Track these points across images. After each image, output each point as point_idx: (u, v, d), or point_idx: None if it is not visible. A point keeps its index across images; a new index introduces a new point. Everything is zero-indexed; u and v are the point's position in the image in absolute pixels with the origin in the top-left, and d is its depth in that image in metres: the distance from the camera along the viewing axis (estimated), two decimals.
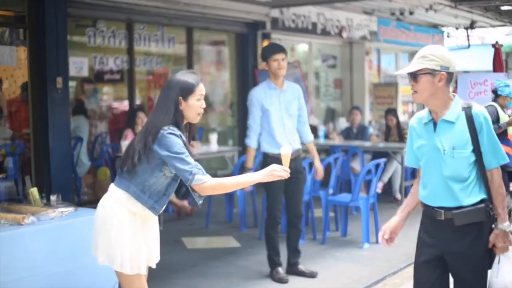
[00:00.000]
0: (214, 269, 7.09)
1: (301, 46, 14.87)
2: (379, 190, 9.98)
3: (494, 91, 8.26)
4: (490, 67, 10.87)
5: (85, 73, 9.81)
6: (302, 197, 6.88)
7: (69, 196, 8.48)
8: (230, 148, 11.38)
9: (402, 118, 14.25)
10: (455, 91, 10.78)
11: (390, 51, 16.95)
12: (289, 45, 13.51)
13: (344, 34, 14.46)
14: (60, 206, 4.88)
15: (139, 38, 10.71)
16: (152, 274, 4.08)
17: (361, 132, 11.69)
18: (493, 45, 10.78)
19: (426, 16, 14.77)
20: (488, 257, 3.77)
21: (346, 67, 15.78)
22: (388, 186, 10.86)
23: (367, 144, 11.03)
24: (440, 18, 15.51)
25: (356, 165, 10.39)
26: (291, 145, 6.31)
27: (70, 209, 4.87)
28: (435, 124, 3.79)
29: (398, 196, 10.62)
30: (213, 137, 10.54)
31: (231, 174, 9.00)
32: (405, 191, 10.29)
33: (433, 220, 3.83)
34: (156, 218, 4.13)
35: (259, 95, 6.63)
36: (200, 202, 4.00)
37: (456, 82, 10.78)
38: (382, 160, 8.34)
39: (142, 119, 9.06)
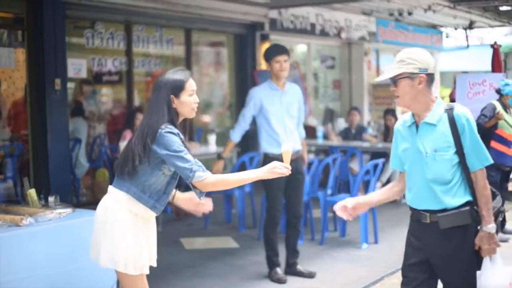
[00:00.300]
0: (212, 269, 7.10)
1: (300, 47, 14.87)
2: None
3: (498, 91, 8.31)
4: (489, 68, 10.85)
5: (83, 74, 9.80)
6: (302, 198, 6.90)
7: (68, 198, 8.47)
8: None
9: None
10: (453, 91, 10.78)
11: (388, 51, 16.94)
12: (288, 46, 13.31)
13: (343, 35, 14.46)
14: (58, 207, 4.88)
15: (138, 40, 10.71)
16: (151, 275, 4.08)
17: (360, 133, 11.71)
18: (492, 46, 10.76)
19: (424, 16, 14.76)
20: (476, 259, 3.75)
21: (344, 68, 15.78)
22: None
23: (365, 144, 11.04)
24: (439, 19, 15.51)
25: (354, 165, 10.40)
26: (292, 146, 6.33)
27: (68, 210, 4.87)
28: (417, 127, 3.80)
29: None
30: (212, 138, 10.54)
31: None
32: None
33: (419, 223, 3.83)
34: (154, 218, 4.14)
35: (259, 94, 6.65)
36: (201, 198, 4.00)
37: (454, 82, 10.78)
38: (380, 161, 8.35)
39: (140, 120, 9.06)
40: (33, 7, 8.46)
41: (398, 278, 6.65)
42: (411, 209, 3.89)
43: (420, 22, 16.62)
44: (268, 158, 6.45)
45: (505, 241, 8.16)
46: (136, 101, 10.91)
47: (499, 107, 8.13)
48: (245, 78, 12.29)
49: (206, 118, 12.33)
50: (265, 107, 6.62)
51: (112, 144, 10.37)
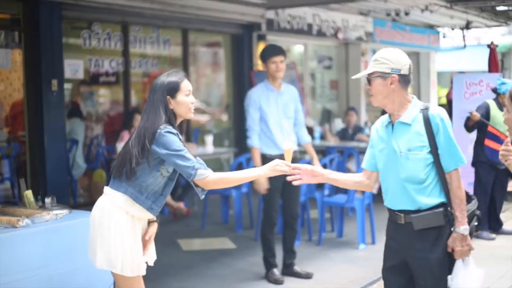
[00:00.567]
0: (209, 270, 7.10)
1: (297, 47, 14.88)
2: (374, 191, 9.97)
3: (494, 90, 8.32)
4: (486, 68, 10.86)
5: (80, 75, 9.78)
6: (298, 199, 6.90)
7: (65, 199, 8.48)
8: (225, 150, 11.40)
9: None
10: (450, 91, 10.79)
11: None
12: (285, 47, 13.39)
13: (340, 35, 14.47)
14: (55, 208, 4.87)
15: (135, 40, 10.70)
16: (148, 276, 4.08)
17: (357, 133, 11.71)
18: (489, 46, 10.76)
19: (421, 16, 14.77)
20: (448, 262, 3.75)
21: (342, 68, 15.79)
22: None
23: (362, 145, 11.04)
24: (436, 19, 15.52)
25: (352, 166, 10.39)
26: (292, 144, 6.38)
27: (65, 211, 4.86)
28: (393, 126, 3.80)
29: None
30: (209, 139, 10.55)
31: None
32: None
33: (395, 225, 3.84)
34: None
35: (257, 95, 6.65)
36: (202, 197, 3.99)
37: (451, 82, 10.79)
38: None
39: (139, 121, 9.05)
40: (29, 8, 8.46)
41: None
42: (388, 210, 3.90)
43: (417, 22, 16.64)
44: (265, 159, 6.44)
45: (492, 239, 8.20)
46: (133, 102, 10.91)
47: (493, 106, 8.13)
48: (242, 79, 12.28)
49: (204, 117, 12.34)
50: (262, 108, 6.62)
51: (109, 144, 10.36)
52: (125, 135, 8.99)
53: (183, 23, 11.23)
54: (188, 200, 9.85)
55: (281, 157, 4.15)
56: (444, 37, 18.35)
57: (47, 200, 4.94)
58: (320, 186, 8.81)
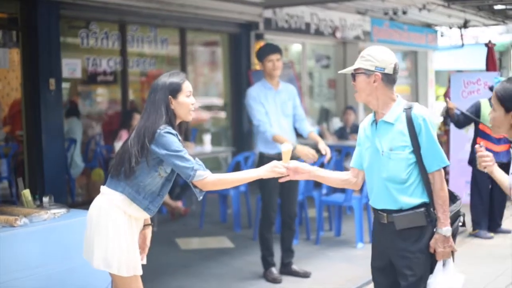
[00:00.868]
0: (208, 269, 7.10)
1: (295, 46, 14.87)
2: None
3: (491, 88, 8.34)
4: (484, 66, 10.88)
5: (78, 74, 9.79)
6: (296, 198, 6.90)
7: (63, 198, 8.48)
8: (223, 149, 11.39)
9: None
10: (448, 90, 10.79)
11: None
12: (283, 46, 13.43)
13: (338, 34, 14.47)
14: (53, 207, 4.87)
15: (132, 40, 10.70)
16: (146, 275, 4.08)
17: (355, 132, 11.69)
18: (486, 44, 10.78)
19: (419, 15, 14.78)
20: (429, 263, 3.72)
21: (339, 67, 15.67)
22: None
23: None
24: (434, 18, 15.53)
25: (349, 165, 10.37)
26: (292, 145, 6.34)
27: (63, 210, 4.86)
28: (377, 125, 3.80)
29: None
30: (207, 138, 10.54)
31: None
32: None
33: (379, 224, 3.83)
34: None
35: (256, 93, 6.65)
36: (200, 197, 4.00)
37: (449, 81, 10.79)
38: None
39: (137, 120, 9.05)
40: (27, 7, 8.46)
41: None
42: (372, 209, 3.89)
43: (415, 21, 16.65)
44: (263, 158, 6.46)
45: (489, 238, 8.21)
46: (131, 101, 10.90)
47: (485, 105, 8.10)
48: (239, 78, 12.28)
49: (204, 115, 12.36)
50: (262, 105, 6.62)
51: (107, 144, 10.36)
52: (123, 134, 8.99)
53: (181, 22, 11.23)
54: (186, 199, 9.86)
55: (280, 155, 4.15)
56: (441, 36, 18.36)
57: (45, 199, 4.94)
58: (318, 185, 8.81)
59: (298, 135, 7.03)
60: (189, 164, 3.81)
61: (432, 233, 3.69)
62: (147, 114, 3.95)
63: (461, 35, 15.77)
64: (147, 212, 4.00)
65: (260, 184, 6.49)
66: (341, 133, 11.85)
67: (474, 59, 16.70)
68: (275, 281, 6.62)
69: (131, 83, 10.93)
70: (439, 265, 3.70)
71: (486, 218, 8.43)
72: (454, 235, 3.75)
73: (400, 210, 3.69)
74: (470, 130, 8.63)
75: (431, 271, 3.73)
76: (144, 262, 4.16)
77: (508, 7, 12.90)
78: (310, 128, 6.94)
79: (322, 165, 6.63)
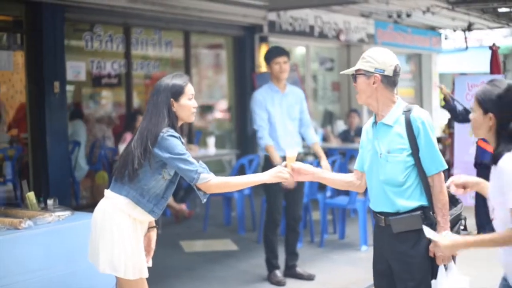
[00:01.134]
0: (212, 272, 7.10)
1: (299, 49, 14.87)
2: None
3: None
4: (488, 69, 10.85)
5: (82, 77, 9.81)
6: (302, 201, 6.91)
7: (67, 200, 8.49)
8: (227, 152, 11.39)
9: None
10: (452, 93, 10.77)
11: None
12: (287, 48, 13.45)
13: (342, 37, 14.47)
14: (57, 210, 4.87)
15: (136, 42, 10.71)
16: (150, 278, 4.08)
17: (359, 135, 11.69)
18: (491, 47, 10.75)
19: (423, 18, 14.77)
20: (430, 267, 3.68)
21: (343, 70, 15.73)
22: None
23: None
24: (438, 21, 15.51)
25: (353, 167, 10.38)
26: (296, 151, 6.35)
27: (67, 213, 4.87)
28: (376, 127, 3.79)
29: None
30: (211, 141, 10.55)
31: None
32: None
33: (378, 227, 3.83)
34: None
35: (262, 97, 6.66)
36: (204, 200, 4.00)
37: (453, 84, 10.78)
38: None
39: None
40: (32, 10, 8.48)
41: None
42: (372, 212, 3.88)
43: (419, 24, 16.63)
44: (268, 161, 6.46)
45: None
46: (135, 104, 10.92)
47: None
48: (244, 81, 12.28)
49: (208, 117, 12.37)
50: (267, 109, 6.63)
51: (111, 146, 10.36)
52: (128, 137, 9.00)
53: (185, 25, 11.24)
54: (190, 202, 9.85)
55: (285, 158, 4.15)
56: (446, 38, 18.35)
57: (49, 202, 4.94)
58: (323, 187, 8.81)
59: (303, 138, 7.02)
60: (192, 167, 3.81)
61: None
62: (149, 116, 3.95)
63: (465, 38, 15.74)
64: (151, 215, 4.00)
65: (265, 187, 6.48)
66: (345, 136, 11.85)
67: (478, 62, 16.69)
68: (279, 283, 6.62)
69: (135, 86, 10.94)
70: (441, 269, 3.67)
71: (490, 221, 8.40)
72: None
73: (397, 213, 3.67)
74: None
75: (434, 276, 3.69)
76: (150, 264, 4.16)
77: None
78: (315, 138, 6.93)
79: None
